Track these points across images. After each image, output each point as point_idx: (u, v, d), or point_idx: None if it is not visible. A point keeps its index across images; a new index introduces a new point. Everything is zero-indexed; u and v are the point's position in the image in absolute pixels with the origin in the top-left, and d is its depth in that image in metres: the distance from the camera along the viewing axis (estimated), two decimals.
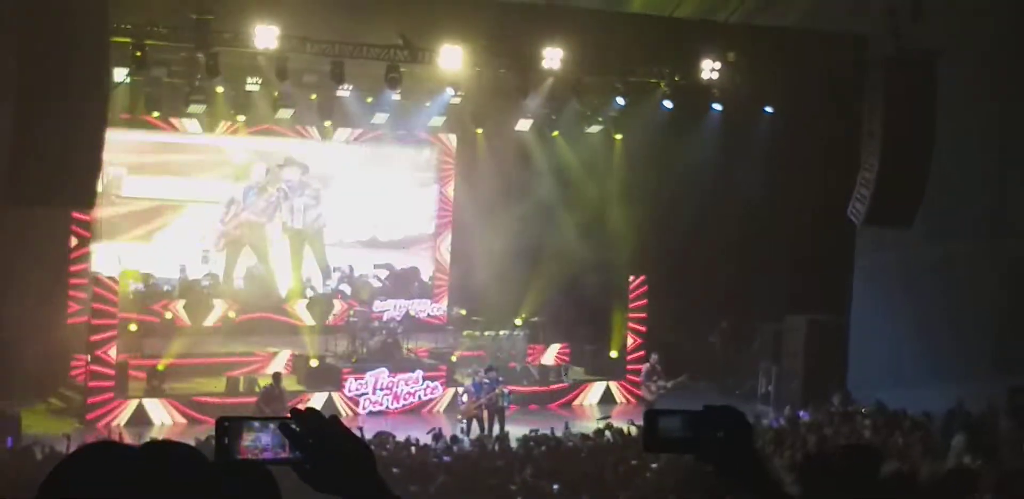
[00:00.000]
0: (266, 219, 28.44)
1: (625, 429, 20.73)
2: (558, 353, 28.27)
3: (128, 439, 19.69)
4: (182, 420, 23.25)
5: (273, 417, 2.73)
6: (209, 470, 2.17)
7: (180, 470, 2.12)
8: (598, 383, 27.27)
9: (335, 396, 24.37)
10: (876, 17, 24.45)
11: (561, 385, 26.88)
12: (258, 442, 2.67)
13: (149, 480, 2.08)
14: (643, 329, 27.23)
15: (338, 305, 28.00)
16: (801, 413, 23.04)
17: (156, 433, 21.28)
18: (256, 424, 2.70)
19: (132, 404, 23.07)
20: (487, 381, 22.82)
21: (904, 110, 23.64)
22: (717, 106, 26.41)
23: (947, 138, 23.89)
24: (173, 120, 26.34)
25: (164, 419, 23.17)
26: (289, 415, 2.70)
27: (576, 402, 26.84)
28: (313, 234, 29.13)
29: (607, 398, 27.05)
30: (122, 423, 22.66)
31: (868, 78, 24.28)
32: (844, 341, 27.24)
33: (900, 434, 19.78)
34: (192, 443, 2.51)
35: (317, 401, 23.68)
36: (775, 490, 3.17)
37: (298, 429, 2.65)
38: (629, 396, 26.83)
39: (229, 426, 2.68)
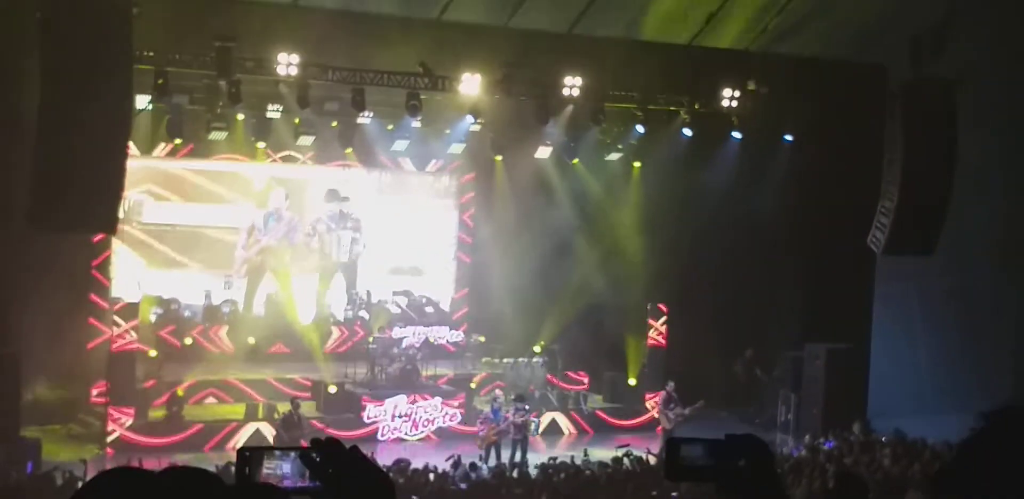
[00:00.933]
0: (287, 244, 28.50)
1: (644, 457, 20.71)
2: (576, 380, 28.23)
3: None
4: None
5: (293, 447, 2.75)
6: (228, 494, 2.18)
7: (200, 495, 2.14)
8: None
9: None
10: (896, 46, 24.49)
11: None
12: (278, 470, 2.70)
13: None
14: (661, 357, 27.14)
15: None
16: (827, 443, 22.91)
17: (177, 458, 21.20)
18: (277, 453, 2.72)
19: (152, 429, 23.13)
20: (515, 409, 22.75)
21: (924, 138, 23.61)
22: (736, 134, 26.42)
23: (966, 166, 23.86)
24: (194, 147, 26.41)
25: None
26: (307, 444, 2.72)
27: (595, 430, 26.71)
28: (349, 263, 29.20)
29: (626, 427, 26.90)
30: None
31: (888, 106, 24.27)
32: (864, 369, 27.13)
33: (919, 464, 19.66)
34: (212, 470, 2.54)
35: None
36: None
37: (318, 458, 2.67)
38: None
39: (250, 456, 2.71)
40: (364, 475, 2.67)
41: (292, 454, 2.72)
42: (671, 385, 24.57)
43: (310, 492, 2.67)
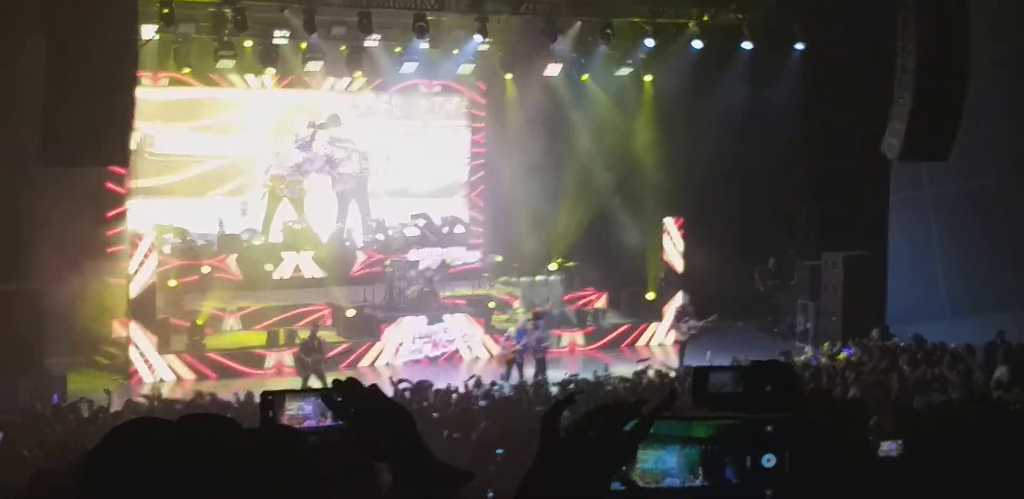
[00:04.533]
0: (301, 174, 28.52)
1: (665, 371, 20.85)
2: (594, 296, 28.36)
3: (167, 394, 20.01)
4: (213, 375, 23.47)
5: (314, 388, 2.81)
6: (247, 440, 2.21)
7: (219, 442, 2.17)
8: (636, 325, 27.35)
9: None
10: None
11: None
12: (300, 411, 2.76)
13: (189, 456, 2.13)
14: (679, 270, 27.24)
15: (361, 256, 28.10)
16: (846, 349, 23.06)
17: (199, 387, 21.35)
18: (298, 395, 2.78)
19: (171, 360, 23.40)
20: (538, 326, 22.90)
21: (937, 43, 23.35)
22: (747, 45, 26.24)
23: (980, 72, 23.67)
24: (203, 75, 26.34)
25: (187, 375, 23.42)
26: (331, 383, 2.77)
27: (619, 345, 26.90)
28: (359, 188, 29.22)
29: (646, 340, 27.08)
30: (159, 380, 22.94)
31: (900, 12, 24.01)
32: (882, 276, 27.14)
33: (940, 367, 19.76)
34: (232, 401, 2.56)
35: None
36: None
37: (339, 398, 2.72)
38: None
39: (273, 399, 2.77)
40: (385, 412, 2.72)
41: (313, 395, 2.77)
42: (685, 298, 24.69)
43: (333, 431, 2.73)
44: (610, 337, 26.90)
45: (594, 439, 2.28)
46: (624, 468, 2.29)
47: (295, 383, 20.50)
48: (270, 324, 25.22)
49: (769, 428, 2.32)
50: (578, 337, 26.50)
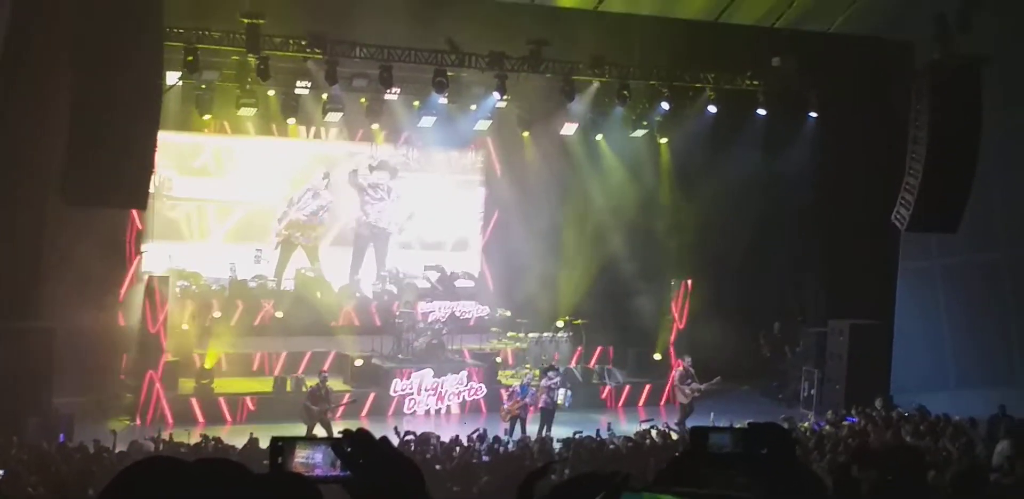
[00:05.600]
0: (317, 221, 28.71)
1: (668, 432, 20.86)
2: (600, 356, 28.42)
3: (194, 437, 20.02)
4: (229, 419, 23.56)
5: (325, 438, 2.93)
6: (257, 484, 2.31)
7: (230, 486, 2.26)
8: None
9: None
10: (923, 24, 24.44)
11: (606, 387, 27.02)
12: (310, 460, 2.86)
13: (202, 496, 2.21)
14: (684, 332, 27.30)
15: (363, 307, 28.18)
16: (849, 418, 23.02)
17: (205, 431, 21.42)
18: (309, 443, 2.89)
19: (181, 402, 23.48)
20: (547, 380, 22.93)
21: (949, 116, 23.59)
22: (762, 111, 26.45)
23: (991, 144, 23.86)
24: (223, 122, 26.61)
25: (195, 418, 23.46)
26: (340, 434, 2.88)
27: (619, 404, 26.90)
28: (382, 234, 29.42)
29: (651, 401, 27.07)
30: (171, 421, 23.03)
31: (914, 84, 24.25)
32: (887, 346, 27.16)
33: (944, 439, 19.74)
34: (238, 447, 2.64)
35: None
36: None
37: (349, 449, 2.84)
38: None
39: (283, 445, 2.88)
40: (394, 465, 2.83)
41: (324, 444, 2.88)
42: (687, 360, 24.74)
43: (341, 481, 2.84)
44: (616, 396, 26.90)
45: None
46: None
47: (297, 430, 20.50)
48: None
49: None
50: (583, 394, 26.49)
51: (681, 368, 24.78)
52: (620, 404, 26.89)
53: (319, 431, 20.88)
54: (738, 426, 3.36)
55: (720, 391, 24.83)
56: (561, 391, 23.56)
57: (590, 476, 2.44)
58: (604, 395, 26.86)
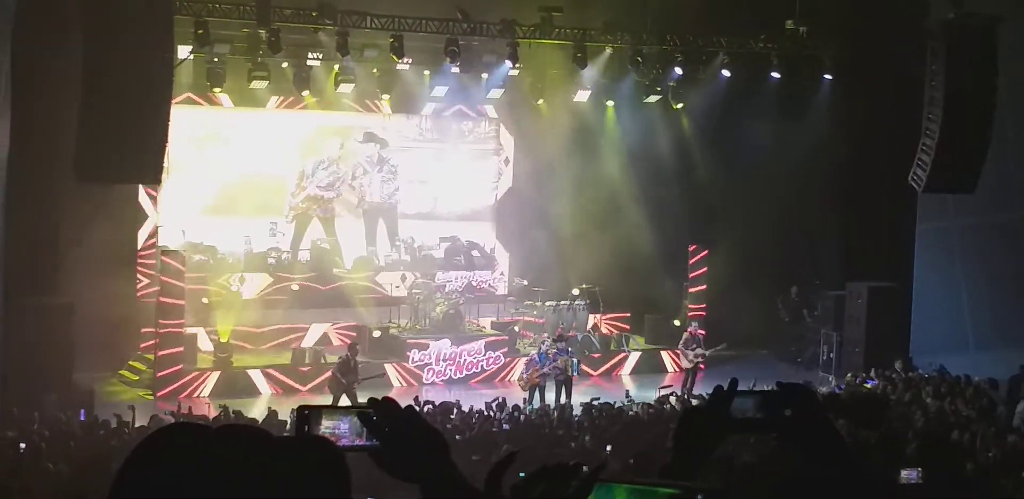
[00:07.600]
0: (334, 194, 28.68)
1: (687, 398, 20.88)
2: (620, 322, 28.44)
3: (213, 410, 20.11)
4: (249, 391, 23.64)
5: (351, 406, 2.90)
6: (284, 447, 2.28)
7: (256, 449, 2.23)
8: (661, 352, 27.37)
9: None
10: None
11: (623, 354, 27.03)
12: (336, 429, 2.84)
13: (224, 460, 2.18)
14: (702, 298, 27.25)
15: (380, 278, 28.21)
16: (869, 381, 23.02)
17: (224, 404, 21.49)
18: (334, 412, 2.87)
19: (213, 376, 23.61)
20: (556, 350, 22.93)
21: (965, 76, 23.42)
22: (776, 74, 26.32)
23: (1007, 105, 23.71)
24: (237, 95, 26.54)
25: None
26: (366, 403, 2.85)
27: (638, 371, 26.89)
28: (389, 208, 29.37)
29: (669, 367, 27.07)
30: (203, 394, 23.13)
31: (929, 44, 24.07)
32: (906, 308, 27.13)
33: (962, 400, 19.74)
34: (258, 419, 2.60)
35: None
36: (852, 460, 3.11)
37: (375, 418, 2.82)
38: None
39: (309, 414, 2.86)
40: (419, 434, 2.81)
41: (349, 414, 2.86)
42: (693, 325, 24.77)
43: (367, 450, 2.82)
44: (634, 362, 26.93)
45: None
46: None
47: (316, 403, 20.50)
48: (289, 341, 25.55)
49: (699, 498, 2.36)
50: (602, 361, 26.52)
51: (687, 333, 24.79)
52: (642, 371, 26.84)
53: (344, 403, 20.89)
54: (759, 389, 3.23)
55: (738, 356, 24.86)
56: (572, 360, 23.46)
57: (558, 467, 2.40)
58: (621, 361, 26.85)
